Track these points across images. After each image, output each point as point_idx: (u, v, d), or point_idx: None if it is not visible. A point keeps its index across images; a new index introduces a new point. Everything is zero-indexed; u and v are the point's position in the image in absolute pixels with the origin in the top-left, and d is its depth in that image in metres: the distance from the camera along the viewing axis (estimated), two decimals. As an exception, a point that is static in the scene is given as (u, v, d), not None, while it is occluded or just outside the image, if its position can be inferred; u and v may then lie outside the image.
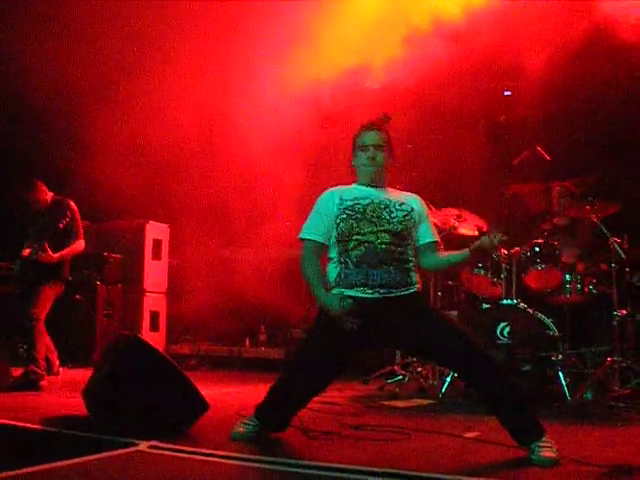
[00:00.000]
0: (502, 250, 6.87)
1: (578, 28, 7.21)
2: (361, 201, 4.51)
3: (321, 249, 4.56)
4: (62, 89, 8.42)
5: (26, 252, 7.05)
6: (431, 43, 7.60)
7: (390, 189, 4.69)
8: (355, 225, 4.43)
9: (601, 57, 7.93)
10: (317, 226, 4.57)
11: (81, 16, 8.15)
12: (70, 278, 7.47)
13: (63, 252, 7.09)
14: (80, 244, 7.28)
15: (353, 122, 4.92)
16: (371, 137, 4.62)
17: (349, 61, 7.94)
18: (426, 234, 4.64)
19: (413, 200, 4.67)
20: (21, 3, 8.38)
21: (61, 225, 6.94)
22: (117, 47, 8.28)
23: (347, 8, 8.03)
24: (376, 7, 8.02)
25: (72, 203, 7.26)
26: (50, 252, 6.90)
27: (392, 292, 4.38)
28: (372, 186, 4.61)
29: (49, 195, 7.33)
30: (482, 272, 7.00)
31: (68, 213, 7.03)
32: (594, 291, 6.82)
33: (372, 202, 4.51)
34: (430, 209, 4.80)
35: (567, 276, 6.75)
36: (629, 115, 8.44)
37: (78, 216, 7.27)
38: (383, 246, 4.38)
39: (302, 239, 4.60)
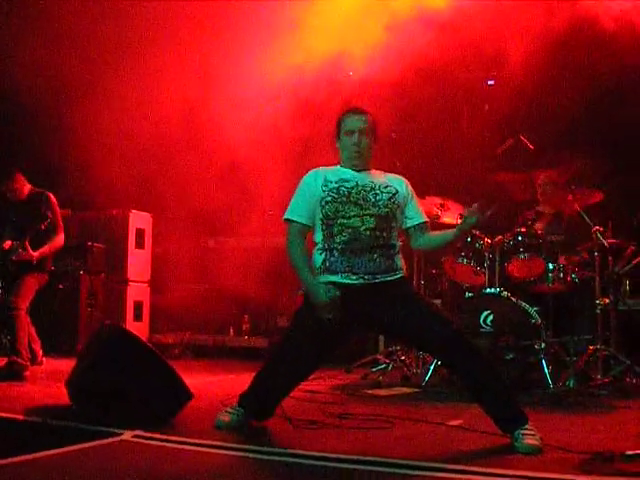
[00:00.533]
0: (485, 239, 6.89)
1: (561, 17, 7.21)
2: (346, 184, 4.49)
3: (306, 230, 4.55)
4: (46, 81, 8.37)
5: (6, 244, 7.02)
6: (414, 32, 7.58)
7: (374, 171, 4.67)
8: (340, 208, 4.42)
9: (584, 46, 7.95)
10: (301, 207, 4.56)
11: (67, 12, 8.10)
12: (53, 268, 7.43)
13: (44, 249, 7.04)
14: (60, 239, 7.24)
15: (335, 111, 4.91)
16: (356, 121, 4.60)
17: (331, 49, 7.91)
18: (415, 215, 4.64)
19: (398, 182, 4.66)
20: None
21: (43, 227, 6.93)
22: (101, 41, 8.23)
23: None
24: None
25: (52, 197, 7.22)
26: (30, 251, 6.87)
27: (377, 277, 4.39)
28: (357, 169, 4.60)
29: (27, 187, 7.29)
30: (465, 261, 7.02)
31: (49, 214, 7.01)
32: (577, 280, 6.84)
33: (357, 184, 4.49)
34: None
35: (550, 265, 6.76)
36: (611, 104, 8.48)
37: (58, 210, 7.23)
38: (368, 232, 4.38)
39: (286, 220, 4.59)
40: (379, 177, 4.64)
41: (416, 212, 4.66)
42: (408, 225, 4.63)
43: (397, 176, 4.74)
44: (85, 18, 8.20)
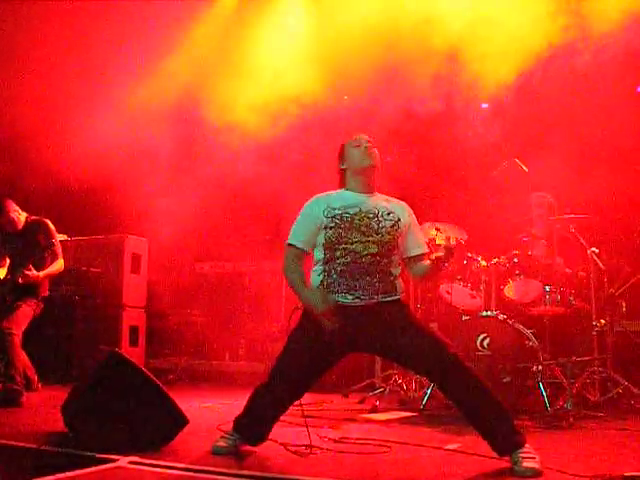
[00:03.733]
0: (481, 261, 6.89)
1: (553, 40, 7.25)
2: (349, 210, 4.49)
3: (303, 255, 4.57)
4: (35, 107, 8.38)
5: (1, 273, 7.07)
6: (406, 55, 7.62)
7: (378, 195, 4.67)
8: (343, 234, 4.43)
9: (579, 70, 7.98)
10: (300, 233, 4.58)
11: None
12: (49, 294, 7.43)
13: (48, 271, 7.09)
14: (60, 264, 7.26)
15: (335, 135, 4.93)
16: (365, 138, 4.64)
17: (327, 74, 7.95)
18: (415, 246, 4.67)
19: (400, 209, 4.66)
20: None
21: (46, 254, 6.96)
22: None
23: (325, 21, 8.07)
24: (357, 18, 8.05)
25: (49, 224, 7.24)
26: (35, 272, 6.90)
27: (374, 298, 4.39)
28: (362, 191, 4.60)
29: (23, 215, 7.31)
30: (461, 284, 7.02)
31: (53, 241, 7.04)
32: (573, 302, 6.85)
33: (360, 211, 4.49)
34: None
35: (546, 287, 6.77)
36: (606, 127, 8.49)
37: (56, 236, 7.25)
38: (369, 257, 4.38)
39: (287, 245, 4.61)
40: (382, 202, 4.63)
41: (417, 243, 4.68)
42: (408, 255, 4.64)
43: (400, 203, 4.74)
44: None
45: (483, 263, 6.92)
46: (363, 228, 4.45)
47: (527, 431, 4.26)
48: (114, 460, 4.21)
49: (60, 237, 7.57)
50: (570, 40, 7.24)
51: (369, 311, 4.37)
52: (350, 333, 4.36)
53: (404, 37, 7.70)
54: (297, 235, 4.59)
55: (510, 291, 6.90)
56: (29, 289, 7.01)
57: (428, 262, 4.58)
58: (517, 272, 6.85)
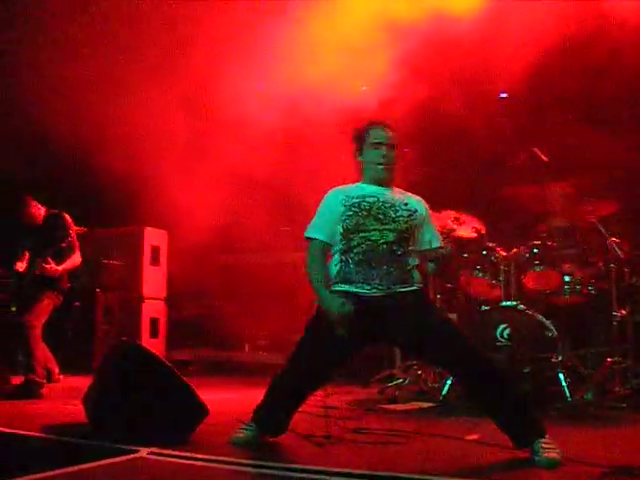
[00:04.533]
0: (500, 252, 6.87)
1: (573, 26, 7.19)
2: (367, 199, 4.51)
3: (326, 248, 4.57)
4: (58, 98, 8.39)
5: (20, 267, 7.13)
6: (426, 45, 7.58)
7: (395, 189, 4.68)
8: (361, 222, 4.43)
9: (598, 56, 7.91)
10: (322, 225, 4.58)
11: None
12: (69, 285, 7.47)
13: (66, 265, 7.13)
14: (78, 257, 7.32)
15: (350, 127, 4.89)
16: (383, 135, 4.62)
17: (345, 65, 7.93)
18: (431, 239, 4.66)
19: (417, 202, 4.67)
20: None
21: (63, 245, 7.00)
22: (108, 49, 8.26)
23: (344, 9, 8.03)
24: (371, 8, 8.00)
25: (67, 217, 7.29)
26: (53, 264, 6.94)
27: (391, 289, 4.38)
28: (379, 184, 4.61)
29: (42, 209, 7.37)
30: (481, 274, 7.00)
31: (70, 233, 7.08)
32: (593, 292, 6.80)
33: (378, 200, 4.51)
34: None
35: (566, 277, 6.73)
36: (626, 115, 8.43)
37: (73, 229, 7.29)
38: (385, 246, 4.38)
39: (307, 238, 4.61)
40: (399, 195, 4.64)
41: (432, 236, 4.67)
42: (424, 248, 4.63)
43: (416, 197, 4.74)
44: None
45: (502, 253, 6.89)
46: (380, 216, 4.45)
47: (547, 422, 4.22)
48: (135, 451, 4.24)
49: (79, 230, 7.61)
50: (589, 27, 7.17)
51: (387, 302, 4.36)
52: (368, 325, 4.35)
53: (422, 27, 7.67)
54: (318, 228, 4.59)
55: (530, 281, 6.87)
56: (48, 282, 7.05)
57: (435, 256, 4.57)
58: (537, 262, 6.81)
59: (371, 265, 4.38)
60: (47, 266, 6.92)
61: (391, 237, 4.41)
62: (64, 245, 7.05)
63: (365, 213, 4.45)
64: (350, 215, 4.46)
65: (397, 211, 4.51)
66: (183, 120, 8.59)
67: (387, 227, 4.43)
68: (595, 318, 7.09)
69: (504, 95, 9.31)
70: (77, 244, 7.32)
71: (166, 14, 8.01)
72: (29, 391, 6.71)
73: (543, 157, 7.40)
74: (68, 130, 8.32)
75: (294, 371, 4.61)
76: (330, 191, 4.69)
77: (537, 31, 7.28)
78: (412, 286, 4.45)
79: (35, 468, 3.70)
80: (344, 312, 4.23)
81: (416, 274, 4.51)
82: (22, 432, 4.91)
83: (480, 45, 7.61)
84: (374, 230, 4.41)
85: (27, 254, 7.36)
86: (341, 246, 4.50)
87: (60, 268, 7.05)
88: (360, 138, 4.70)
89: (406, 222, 4.49)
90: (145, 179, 8.56)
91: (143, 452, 4.23)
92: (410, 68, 7.73)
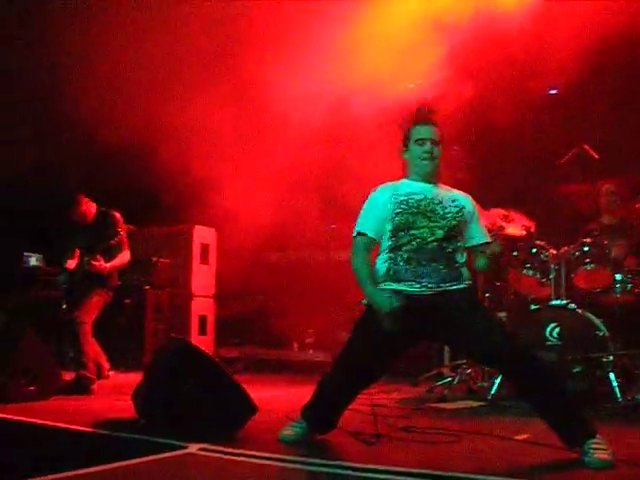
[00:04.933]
0: (551, 250, 6.81)
1: (623, 20, 7.09)
2: (414, 196, 4.48)
3: (372, 244, 4.54)
4: (107, 93, 8.49)
5: (71, 264, 7.25)
6: (473, 41, 7.53)
7: (442, 185, 4.65)
8: (411, 219, 4.40)
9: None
10: (369, 222, 4.55)
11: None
12: (119, 283, 7.56)
13: (114, 263, 7.22)
14: (127, 255, 7.41)
15: (398, 123, 4.88)
16: (427, 131, 4.58)
17: (393, 61, 7.91)
18: (478, 235, 4.62)
19: (464, 199, 4.64)
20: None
21: (113, 242, 7.09)
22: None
23: (391, 7, 8.01)
24: (417, 8, 7.97)
25: (118, 215, 7.39)
26: (102, 262, 7.03)
27: (441, 286, 4.35)
28: (425, 181, 4.58)
29: (93, 207, 7.46)
30: (530, 272, 6.93)
31: (120, 231, 7.17)
32: (645, 291, 6.71)
33: (425, 197, 4.48)
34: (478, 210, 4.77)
35: (617, 276, 6.65)
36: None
37: (123, 227, 7.37)
38: (435, 243, 4.36)
39: (354, 234, 4.59)
40: (446, 191, 4.61)
41: (479, 231, 4.63)
42: (472, 244, 4.60)
43: (463, 193, 4.71)
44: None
45: (552, 251, 6.82)
46: (429, 214, 4.43)
47: (597, 422, 4.18)
48: (184, 447, 4.28)
49: (129, 228, 7.70)
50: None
51: (436, 300, 4.34)
52: (417, 323, 4.33)
53: (470, 23, 7.63)
54: (365, 224, 4.56)
55: (580, 280, 6.79)
56: (99, 279, 7.14)
57: (488, 252, 4.54)
58: (587, 260, 6.73)
59: (420, 263, 4.36)
60: (96, 264, 7.01)
61: (440, 234, 4.39)
62: (113, 243, 7.14)
63: (414, 210, 4.43)
64: (399, 213, 4.44)
65: (445, 208, 4.48)
66: (232, 119, 8.62)
67: (436, 224, 4.41)
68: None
69: (553, 91, 9.23)
70: (126, 242, 7.40)
71: (216, 13, 8.05)
72: (80, 387, 6.80)
73: (593, 154, 7.32)
74: (120, 128, 8.41)
75: (343, 369, 4.61)
76: (377, 188, 4.67)
77: (586, 26, 7.19)
78: (461, 284, 4.42)
79: (86, 463, 3.75)
80: (393, 309, 4.21)
81: (465, 271, 4.48)
82: (73, 427, 4.98)
83: (529, 40, 7.55)
84: (423, 227, 4.39)
85: (78, 251, 7.47)
86: (389, 244, 4.47)
87: (108, 266, 7.13)
88: (405, 136, 4.69)
89: (455, 218, 4.47)
90: (195, 178, 8.62)
91: (193, 448, 4.27)
92: (458, 65, 7.70)
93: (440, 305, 4.33)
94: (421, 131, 4.58)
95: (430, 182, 4.59)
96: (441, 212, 4.45)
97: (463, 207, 4.55)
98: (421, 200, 4.47)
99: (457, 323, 4.32)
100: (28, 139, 9.30)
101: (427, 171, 4.57)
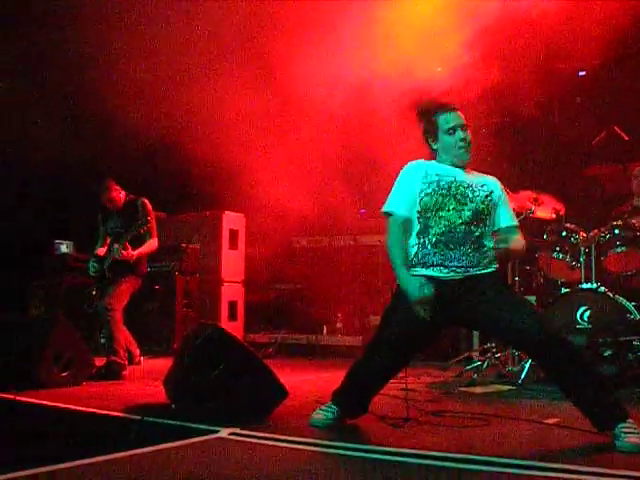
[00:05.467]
0: (581, 233, 6.76)
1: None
2: (445, 177, 4.45)
3: (407, 223, 4.45)
4: (139, 82, 8.52)
5: (101, 251, 7.31)
6: (500, 23, 7.47)
7: (470, 170, 4.61)
8: (440, 200, 4.37)
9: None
10: (402, 199, 4.48)
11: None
12: (149, 269, 7.61)
13: (142, 250, 7.26)
14: (155, 242, 7.45)
15: (426, 107, 4.84)
16: (455, 117, 4.52)
17: (419, 46, 7.87)
18: (506, 217, 4.58)
19: (493, 183, 4.60)
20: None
21: (142, 231, 7.14)
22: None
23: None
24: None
25: (147, 202, 7.44)
26: (130, 250, 7.08)
27: (469, 271, 4.33)
28: (455, 166, 4.54)
29: (122, 194, 7.51)
30: (560, 256, 6.89)
31: (149, 218, 7.20)
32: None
33: (455, 180, 4.45)
34: (507, 193, 4.72)
35: (648, 258, 6.59)
36: None
37: (152, 214, 7.41)
38: (463, 227, 4.33)
39: (386, 213, 4.53)
40: (475, 175, 4.58)
41: (507, 214, 4.59)
42: (499, 226, 4.56)
43: (491, 177, 4.67)
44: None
45: (582, 234, 6.77)
46: (458, 196, 4.40)
47: (628, 406, 4.15)
48: (215, 431, 4.31)
49: (158, 214, 7.75)
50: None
51: (465, 284, 4.32)
52: (446, 308, 4.32)
53: (497, 6, 7.57)
54: (397, 201, 4.50)
55: (611, 263, 6.74)
56: (128, 266, 7.19)
57: (513, 241, 4.48)
58: (618, 243, 6.68)
59: (448, 246, 4.33)
60: (123, 251, 7.06)
61: (469, 217, 4.36)
62: (142, 230, 7.19)
63: (445, 192, 4.39)
64: (429, 193, 4.40)
65: (474, 191, 4.45)
66: (261, 105, 8.63)
67: (465, 207, 4.38)
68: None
69: (582, 73, 9.15)
70: (155, 229, 7.44)
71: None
72: (111, 373, 6.86)
73: (624, 135, 7.26)
74: (150, 117, 8.44)
75: (374, 353, 4.60)
76: (410, 163, 4.60)
77: (614, 7, 7.12)
78: (489, 268, 4.41)
79: (117, 447, 3.79)
80: (424, 294, 4.21)
81: (493, 255, 4.46)
82: (105, 412, 5.04)
83: (558, 21, 7.48)
84: (452, 210, 4.37)
85: (108, 238, 7.53)
86: (418, 226, 4.44)
87: (135, 253, 7.17)
88: (430, 123, 4.59)
89: (483, 202, 4.44)
90: (224, 164, 8.64)
91: (224, 432, 4.30)
92: (486, 48, 7.64)
93: (468, 289, 4.31)
94: (449, 119, 4.51)
95: (460, 167, 4.56)
96: (470, 195, 4.42)
97: (492, 191, 4.52)
98: (452, 182, 4.44)
99: (486, 307, 4.30)
100: (60, 128, 9.36)
101: (465, 159, 4.53)
